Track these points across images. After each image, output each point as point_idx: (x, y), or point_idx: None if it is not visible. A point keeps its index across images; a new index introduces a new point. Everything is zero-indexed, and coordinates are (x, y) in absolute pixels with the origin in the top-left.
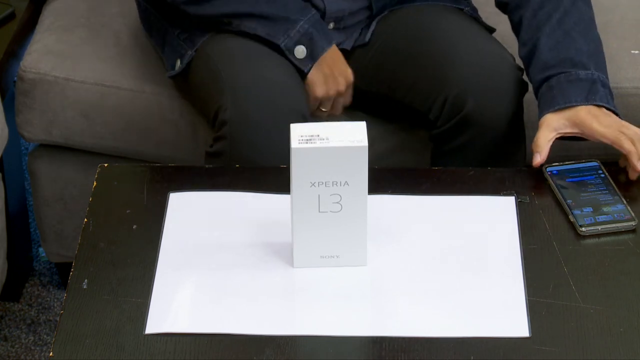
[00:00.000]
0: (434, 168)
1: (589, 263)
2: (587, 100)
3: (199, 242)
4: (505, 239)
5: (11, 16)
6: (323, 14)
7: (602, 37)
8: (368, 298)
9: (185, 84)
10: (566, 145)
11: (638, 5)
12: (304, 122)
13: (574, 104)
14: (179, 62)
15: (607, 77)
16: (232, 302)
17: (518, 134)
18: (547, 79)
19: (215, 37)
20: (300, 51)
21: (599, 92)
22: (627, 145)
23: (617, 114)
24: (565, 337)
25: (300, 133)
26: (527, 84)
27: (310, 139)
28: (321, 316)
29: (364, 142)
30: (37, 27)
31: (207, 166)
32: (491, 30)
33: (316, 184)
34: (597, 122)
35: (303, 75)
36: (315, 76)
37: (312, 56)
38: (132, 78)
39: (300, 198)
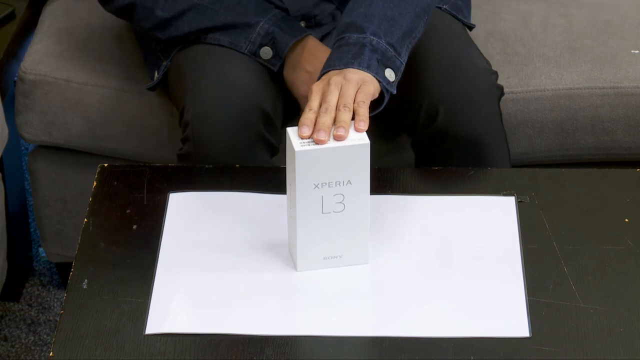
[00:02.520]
0: (433, 168)
1: (589, 263)
2: (344, 65)
3: (199, 242)
4: (505, 239)
5: (11, 16)
6: (289, 15)
7: (602, 37)
8: (368, 298)
9: (166, 93)
10: (565, 145)
11: (638, 5)
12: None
13: (331, 69)
14: (156, 73)
15: (392, 41)
16: (232, 302)
17: (498, 140)
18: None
19: (188, 45)
20: (266, 52)
21: (362, 56)
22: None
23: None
24: (565, 337)
25: (302, 134)
26: (502, 87)
27: (312, 141)
28: (321, 316)
29: (366, 139)
30: (37, 28)
31: (207, 166)
32: (469, 27)
33: (320, 186)
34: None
35: (279, 75)
36: (293, 75)
37: (278, 54)
38: (132, 80)
39: (304, 201)
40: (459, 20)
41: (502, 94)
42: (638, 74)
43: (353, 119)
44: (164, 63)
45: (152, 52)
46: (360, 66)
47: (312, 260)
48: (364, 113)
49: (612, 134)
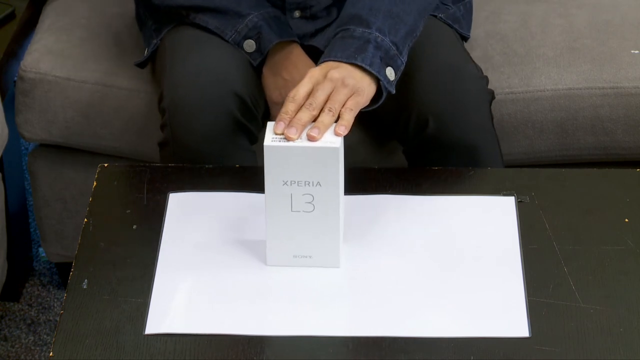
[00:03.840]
0: (433, 168)
1: (589, 263)
2: (346, 58)
3: (199, 242)
4: (505, 239)
5: (11, 16)
6: (284, 3)
7: (602, 36)
8: (368, 299)
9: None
10: (565, 145)
11: (638, 5)
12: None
13: (332, 59)
14: (146, 50)
15: (396, 40)
16: (232, 302)
17: (489, 145)
18: (334, 36)
19: (177, 27)
20: (249, 45)
21: (366, 53)
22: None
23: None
24: (565, 337)
25: (275, 131)
26: (492, 91)
27: (284, 138)
28: (321, 316)
29: (337, 143)
30: (38, 27)
31: (206, 166)
32: (465, 37)
33: (288, 183)
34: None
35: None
36: (268, 79)
37: (261, 50)
38: (132, 78)
39: (273, 196)
40: (454, 29)
41: (493, 97)
42: (638, 74)
43: (336, 122)
44: (154, 41)
45: (148, 31)
46: (363, 62)
47: (281, 256)
48: (348, 119)
49: (612, 134)
